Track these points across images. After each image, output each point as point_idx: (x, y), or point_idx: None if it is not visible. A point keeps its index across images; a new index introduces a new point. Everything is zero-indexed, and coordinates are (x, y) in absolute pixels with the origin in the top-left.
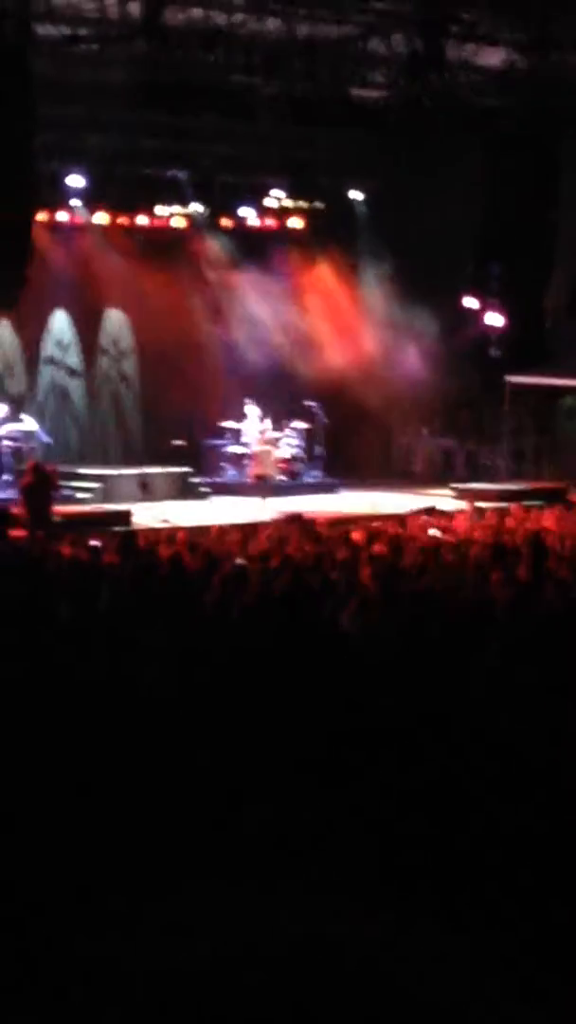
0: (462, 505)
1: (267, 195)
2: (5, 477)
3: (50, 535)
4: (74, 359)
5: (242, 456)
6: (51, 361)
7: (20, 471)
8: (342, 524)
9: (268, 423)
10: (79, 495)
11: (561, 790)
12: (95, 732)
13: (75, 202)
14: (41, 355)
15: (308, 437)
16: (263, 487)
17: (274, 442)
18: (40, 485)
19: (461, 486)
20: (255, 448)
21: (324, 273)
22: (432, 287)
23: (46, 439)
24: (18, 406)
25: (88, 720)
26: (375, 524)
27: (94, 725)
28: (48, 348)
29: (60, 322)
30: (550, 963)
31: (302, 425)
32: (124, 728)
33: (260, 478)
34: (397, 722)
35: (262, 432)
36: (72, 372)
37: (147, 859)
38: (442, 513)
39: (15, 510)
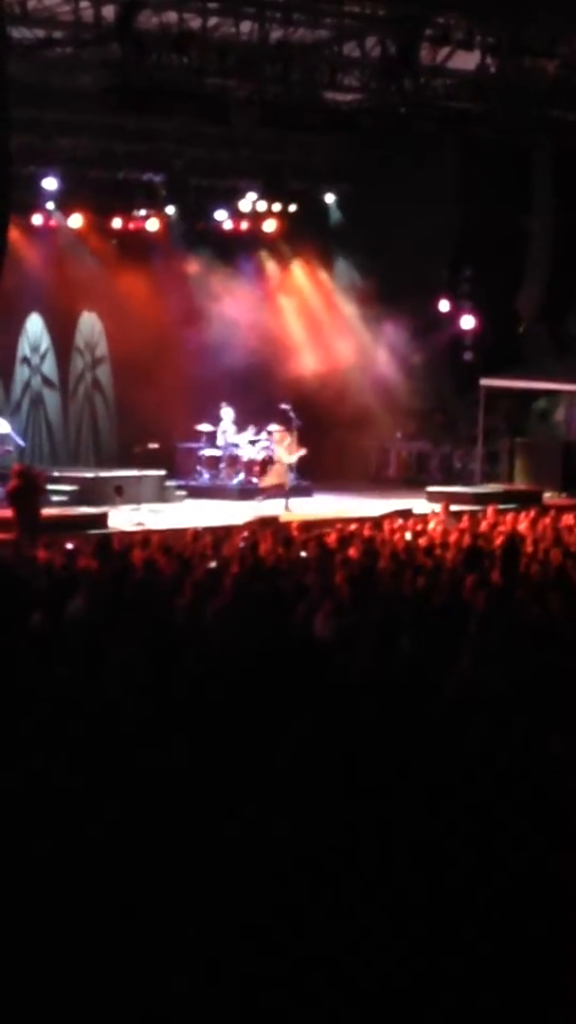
0: (436, 508)
1: (241, 198)
2: None
3: (36, 539)
4: (48, 362)
5: (217, 459)
6: (25, 364)
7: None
8: (316, 527)
9: (279, 431)
10: (54, 498)
11: (535, 795)
12: (66, 742)
13: (49, 205)
14: (16, 358)
15: (282, 440)
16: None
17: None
18: (28, 489)
19: (435, 489)
20: (275, 456)
21: (298, 276)
22: (405, 290)
23: (20, 442)
24: None
25: (59, 729)
26: (349, 527)
27: (65, 734)
28: (22, 351)
29: (34, 325)
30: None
31: (276, 427)
32: (96, 737)
33: (277, 488)
34: (371, 727)
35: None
36: (46, 376)
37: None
38: (416, 516)
39: (5, 513)
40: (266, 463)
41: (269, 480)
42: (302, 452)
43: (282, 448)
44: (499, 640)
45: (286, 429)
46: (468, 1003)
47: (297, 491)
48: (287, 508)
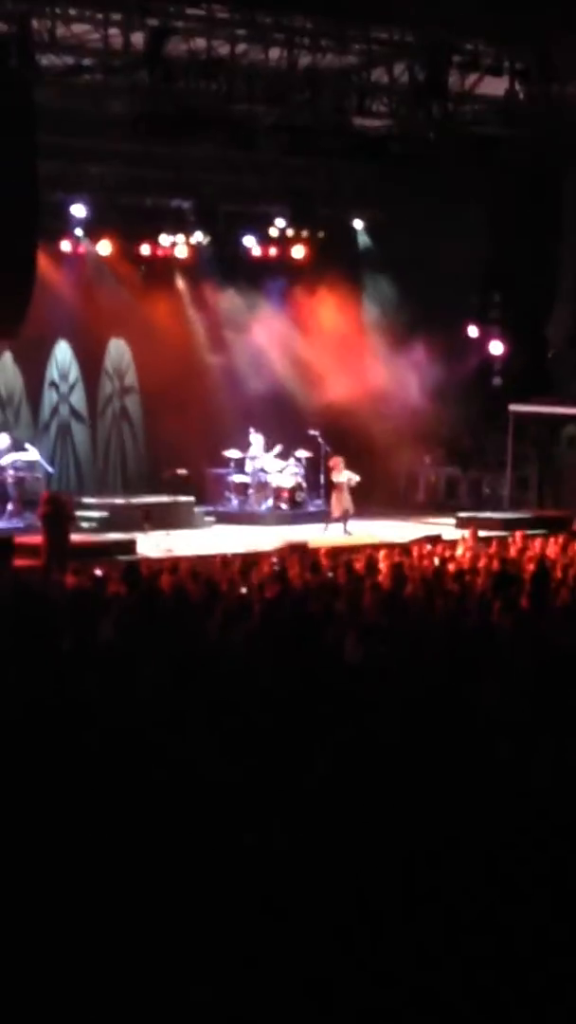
0: (465, 534)
1: (270, 224)
2: (10, 507)
3: (65, 565)
4: (77, 389)
5: (245, 485)
6: (54, 391)
7: (27, 501)
8: (344, 553)
9: (333, 459)
10: (83, 524)
11: (561, 818)
12: (96, 764)
13: (78, 231)
14: (44, 385)
15: (311, 466)
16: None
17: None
18: (57, 515)
19: (464, 515)
20: (337, 481)
21: (326, 302)
22: (434, 316)
23: (50, 468)
24: (21, 437)
25: (89, 751)
26: (378, 553)
27: (95, 756)
28: (50, 378)
29: (63, 352)
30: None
31: (305, 454)
32: (125, 759)
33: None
34: (401, 752)
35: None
36: (74, 402)
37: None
38: (445, 542)
39: (33, 539)
40: (295, 489)
41: (337, 507)
42: (357, 478)
43: (340, 474)
44: (527, 666)
45: (336, 457)
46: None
47: (322, 517)
48: (346, 531)
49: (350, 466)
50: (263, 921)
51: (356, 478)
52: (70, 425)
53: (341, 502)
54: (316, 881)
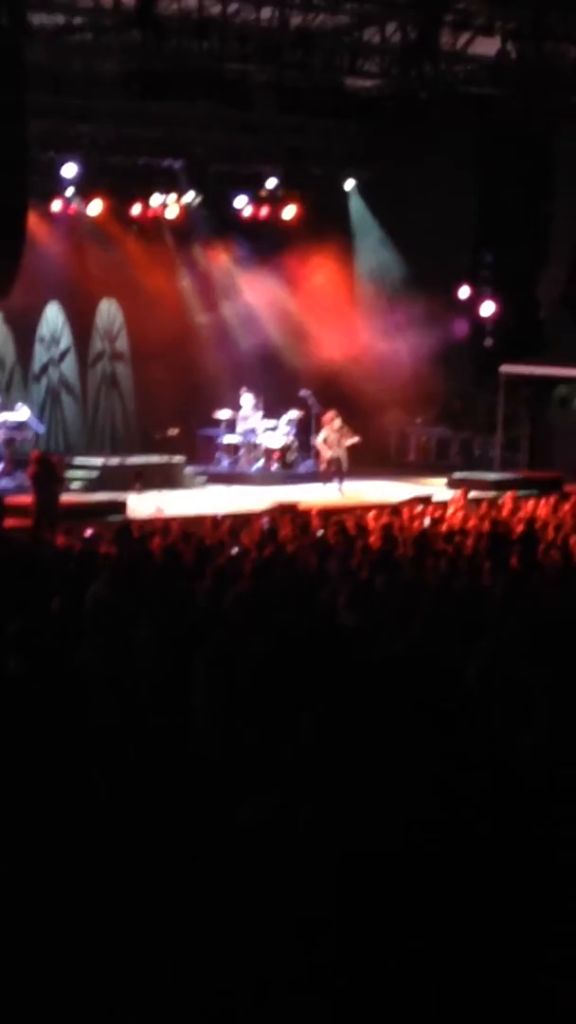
0: (456, 495)
1: (261, 184)
2: (0, 466)
3: (54, 526)
4: (68, 349)
5: (237, 446)
6: (44, 351)
7: (18, 460)
8: (335, 514)
9: (328, 414)
10: (73, 484)
11: (556, 784)
12: (89, 727)
13: (69, 191)
14: (34, 346)
15: (301, 426)
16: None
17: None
18: (46, 475)
19: (455, 476)
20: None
21: (318, 262)
22: (426, 276)
23: (39, 428)
24: (10, 396)
25: (81, 714)
26: (369, 514)
27: (87, 719)
28: (41, 339)
29: (53, 313)
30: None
31: (296, 414)
32: (119, 722)
33: (332, 464)
34: (393, 714)
35: (323, 421)
36: (65, 363)
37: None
38: (436, 503)
39: (23, 499)
40: (286, 450)
41: (322, 459)
42: (356, 439)
43: (331, 430)
44: (518, 626)
45: (332, 413)
46: None
47: (313, 477)
48: (340, 491)
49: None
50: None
51: (351, 439)
52: (60, 386)
53: (326, 454)
54: (307, 847)
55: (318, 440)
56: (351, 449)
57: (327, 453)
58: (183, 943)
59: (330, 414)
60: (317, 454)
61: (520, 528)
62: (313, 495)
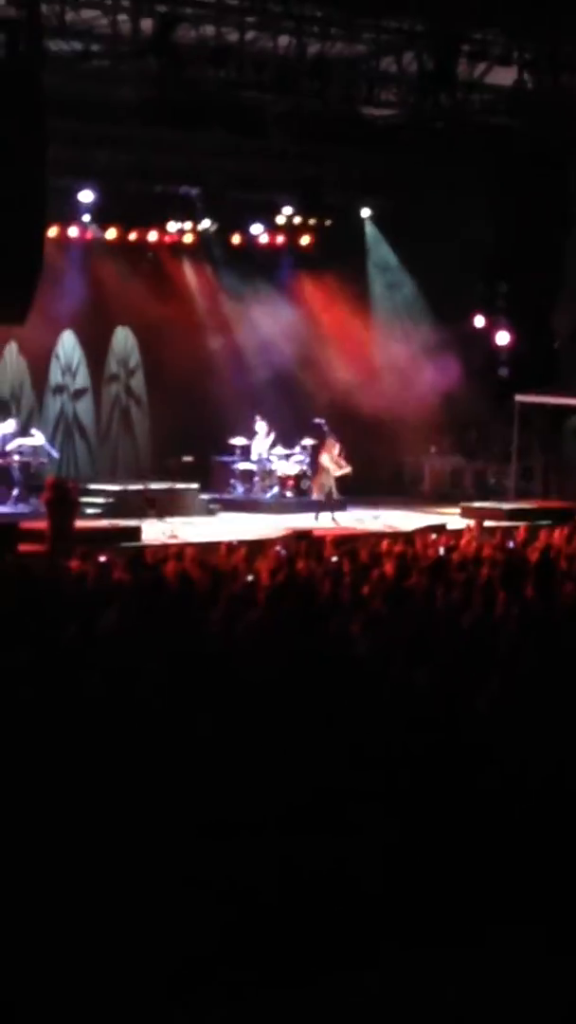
0: (470, 524)
1: (277, 212)
2: (15, 492)
3: (69, 551)
4: (82, 376)
5: (251, 473)
6: (59, 378)
7: (32, 486)
8: (349, 542)
9: (329, 440)
10: (88, 510)
11: (564, 809)
12: (99, 752)
13: (86, 217)
14: (50, 371)
15: (315, 454)
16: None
17: (331, 460)
18: (62, 501)
19: (469, 505)
20: (322, 463)
21: (333, 290)
22: (441, 306)
23: (54, 453)
24: (27, 422)
25: (92, 740)
26: (383, 542)
27: (98, 745)
28: (56, 364)
29: (68, 340)
30: None
31: (310, 442)
32: (129, 748)
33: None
34: (406, 742)
35: (325, 447)
36: (80, 389)
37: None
38: (449, 532)
39: (38, 525)
40: (301, 477)
41: (318, 487)
42: (347, 469)
43: (330, 457)
44: (533, 656)
45: (334, 440)
46: None
47: (335, 504)
48: (317, 520)
49: (356, 454)
50: None
51: (343, 470)
52: (77, 411)
53: (320, 484)
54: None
55: (322, 461)
56: (339, 479)
57: (325, 480)
58: None
59: (330, 441)
60: (312, 482)
61: (535, 558)
62: (325, 523)
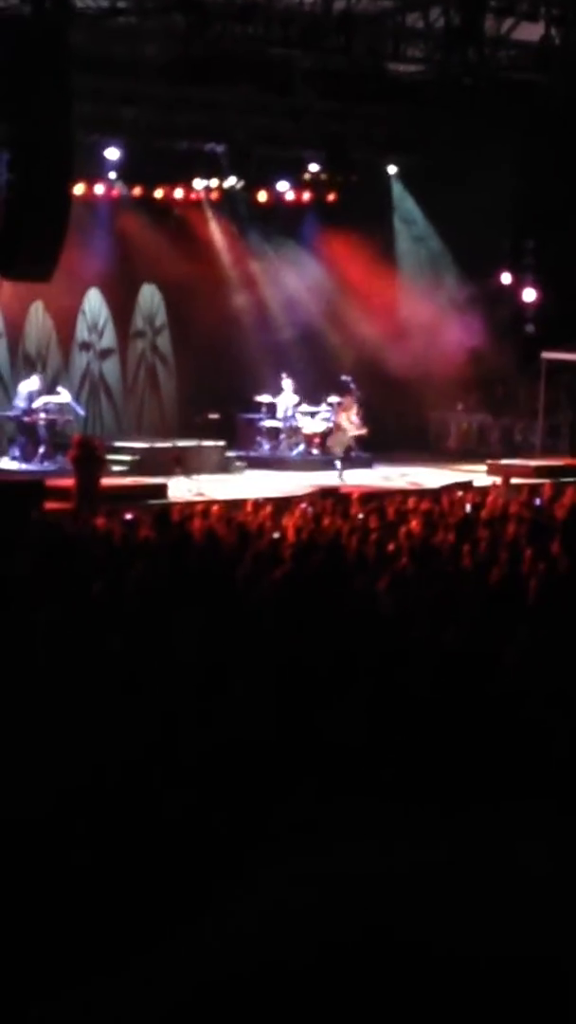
0: (496, 481)
1: (303, 169)
2: (41, 450)
3: (95, 509)
4: (108, 333)
5: (277, 430)
6: (86, 336)
7: (58, 444)
8: (376, 499)
9: (345, 399)
10: (114, 468)
11: None
12: (127, 709)
13: (112, 174)
14: (76, 329)
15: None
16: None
17: (347, 419)
18: (88, 458)
19: (495, 462)
20: (339, 422)
21: (359, 247)
22: (468, 262)
23: (80, 411)
24: (53, 380)
25: (120, 696)
26: (409, 499)
27: (126, 701)
28: (83, 322)
29: (95, 298)
30: None
31: (336, 399)
32: (154, 703)
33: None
34: (431, 700)
35: (341, 406)
36: (106, 347)
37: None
38: (476, 489)
39: (64, 482)
40: (327, 434)
41: (336, 444)
42: (364, 431)
43: (347, 417)
44: (560, 613)
45: (353, 400)
46: None
47: (356, 462)
48: (340, 478)
49: (382, 411)
50: None
51: (359, 431)
52: (103, 369)
53: (336, 441)
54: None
55: (340, 420)
56: (358, 438)
57: (342, 438)
58: None
59: (348, 400)
60: (325, 439)
61: (561, 515)
62: (354, 480)
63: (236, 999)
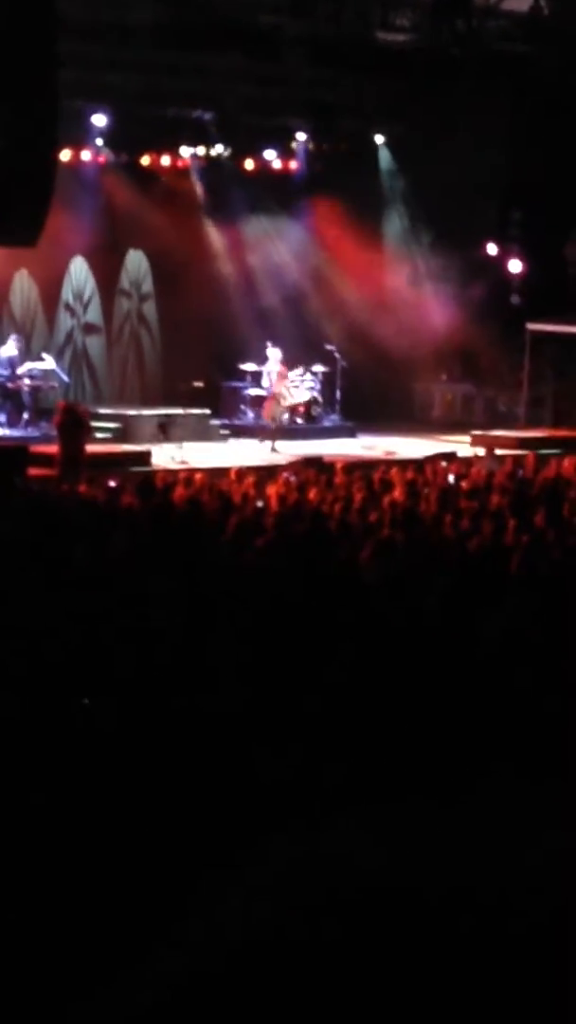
0: (480, 452)
1: (291, 137)
2: (25, 416)
3: (78, 476)
4: (93, 300)
5: (261, 399)
6: (70, 302)
7: (42, 410)
8: (360, 468)
9: (282, 368)
10: (98, 435)
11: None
12: (108, 678)
13: (98, 141)
14: (60, 296)
15: (327, 380)
16: (268, 430)
17: (286, 388)
18: (72, 425)
19: (479, 432)
20: (273, 390)
21: (346, 217)
22: (454, 233)
23: (65, 377)
24: (42, 348)
25: (100, 666)
26: (393, 469)
27: (107, 670)
28: (67, 289)
29: (80, 264)
30: None
31: (321, 368)
32: (136, 672)
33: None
34: (411, 670)
35: (279, 375)
36: (91, 313)
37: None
38: (460, 459)
39: (48, 449)
40: (311, 404)
41: (270, 417)
42: (304, 399)
43: (284, 386)
44: (542, 584)
45: (287, 369)
46: None
47: (337, 432)
48: (273, 449)
49: (365, 380)
50: None
51: (295, 401)
52: (87, 335)
53: (270, 410)
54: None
55: (280, 389)
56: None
57: (277, 409)
58: None
59: (284, 369)
60: (265, 403)
61: (544, 486)
62: (338, 449)
63: (228, 990)
